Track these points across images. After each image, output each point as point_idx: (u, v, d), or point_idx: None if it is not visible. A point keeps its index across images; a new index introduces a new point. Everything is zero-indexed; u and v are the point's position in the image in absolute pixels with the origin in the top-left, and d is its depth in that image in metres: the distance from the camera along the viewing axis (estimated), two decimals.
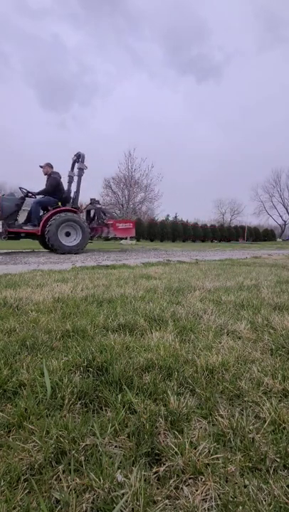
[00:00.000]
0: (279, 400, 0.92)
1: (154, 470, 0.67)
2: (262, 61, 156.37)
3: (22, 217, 7.82)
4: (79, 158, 8.25)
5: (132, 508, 0.57)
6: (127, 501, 0.58)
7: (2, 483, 0.62)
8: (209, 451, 0.71)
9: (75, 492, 0.61)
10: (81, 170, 8.12)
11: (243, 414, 0.85)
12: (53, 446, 0.72)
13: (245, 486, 0.63)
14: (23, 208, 7.64)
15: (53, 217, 7.04)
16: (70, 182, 8.76)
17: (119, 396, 0.92)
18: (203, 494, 0.61)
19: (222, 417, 0.83)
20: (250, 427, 0.79)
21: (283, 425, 0.81)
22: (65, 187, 8.42)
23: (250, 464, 0.68)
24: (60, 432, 0.75)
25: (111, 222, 8.50)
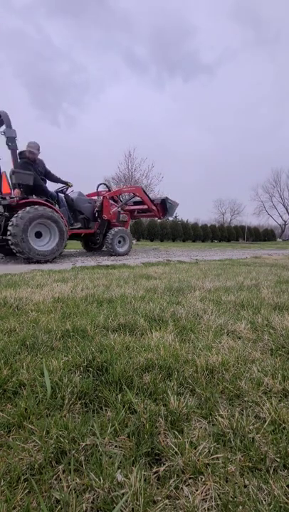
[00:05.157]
0: (279, 400, 0.92)
1: (154, 470, 0.67)
2: (261, 60, 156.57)
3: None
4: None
5: (132, 508, 0.57)
6: (127, 501, 0.58)
7: (2, 483, 0.62)
8: (209, 451, 0.71)
9: (75, 492, 0.61)
10: (11, 140, 5.07)
11: (243, 414, 0.85)
12: (53, 446, 0.72)
13: (245, 486, 0.63)
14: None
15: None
16: None
17: (119, 396, 0.92)
18: (203, 494, 0.61)
19: (222, 417, 0.83)
20: (250, 427, 0.79)
21: (283, 425, 0.81)
22: None
23: (250, 464, 0.68)
24: (60, 432, 0.75)
25: None
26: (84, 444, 0.73)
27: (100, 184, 7.75)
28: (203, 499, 0.60)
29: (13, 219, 4.89)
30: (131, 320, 1.62)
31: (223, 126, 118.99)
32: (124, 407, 0.88)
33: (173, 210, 8.70)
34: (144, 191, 7.81)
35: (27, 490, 0.62)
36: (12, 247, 4.93)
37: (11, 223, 4.88)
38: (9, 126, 5.06)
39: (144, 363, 1.12)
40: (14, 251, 4.98)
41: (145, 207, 8.18)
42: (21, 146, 5.36)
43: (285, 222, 51.78)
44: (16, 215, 4.92)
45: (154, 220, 22.95)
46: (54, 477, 0.65)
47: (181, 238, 25.78)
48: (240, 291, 2.51)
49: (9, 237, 4.86)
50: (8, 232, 4.88)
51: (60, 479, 0.64)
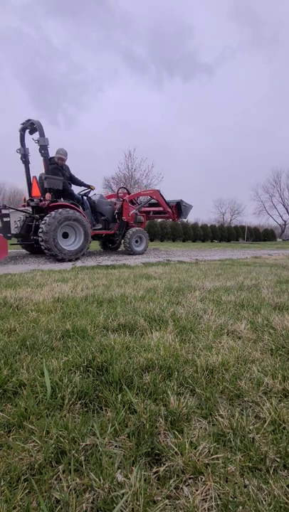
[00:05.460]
0: (279, 400, 0.92)
1: (154, 470, 0.67)
2: (261, 59, 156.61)
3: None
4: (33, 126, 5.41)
5: (132, 508, 0.57)
6: (127, 501, 0.58)
7: (2, 483, 0.62)
8: (209, 451, 0.71)
9: (75, 492, 0.61)
10: (44, 148, 5.30)
11: (243, 414, 0.85)
12: (53, 446, 0.72)
13: (245, 486, 0.63)
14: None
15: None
16: (26, 163, 5.83)
17: (119, 396, 0.92)
18: (203, 494, 0.61)
19: (222, 417, 0.83)
20: (250, 427, 0.79)
21: (283, 425, 0.81)
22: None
23: (250, 464, 0.68)
24: (60, 432, 0.75)
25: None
26: (84, 444, 0.73)
27: (120, 188, 8.36)
28: (203, 499, 0.60)
29: (46, 218, 5.13)
30: (131, 320, 1.62)
31: (223, 126, 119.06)
32: (124, 407, 0.88)
33: (187, 212, 8.98)
34: (160, 194, 8.15)
35: (27, 490, 0.62)
36: (41, 243, 5.15)
37: (43, 222, 5.12)
38: (42, 135, 5.27)
39: (144, 363, 1.12)
40: (43, 247, 5.20)
41: (160, 209, 8.44)
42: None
43: (285, 222, 51.74)
44: (49, 214, 5.18)
45: (154, 220, 22.96)
46: (54, 477, 0.65)
47: (181, 238, 25.76)
48: (240, 291, 2.51)
49: (40, 235, 5.08)
50: (40, 230, 5.09)
51: (60, 479, 0.64)
